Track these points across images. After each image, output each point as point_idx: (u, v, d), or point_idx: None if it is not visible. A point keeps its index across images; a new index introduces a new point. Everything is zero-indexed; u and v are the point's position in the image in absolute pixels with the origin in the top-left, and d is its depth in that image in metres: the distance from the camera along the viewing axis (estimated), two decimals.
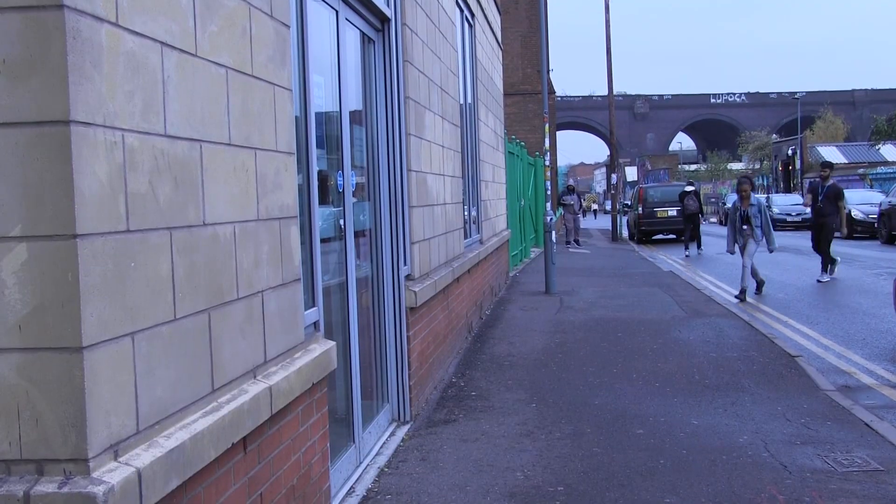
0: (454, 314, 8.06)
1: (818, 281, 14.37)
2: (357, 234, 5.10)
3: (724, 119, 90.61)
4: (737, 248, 12.97)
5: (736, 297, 12.54)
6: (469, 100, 10.48)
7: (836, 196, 14.54)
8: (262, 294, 3.15)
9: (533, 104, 29.69)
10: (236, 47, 2.97)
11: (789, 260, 19.43)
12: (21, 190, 2.03)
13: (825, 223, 14.47)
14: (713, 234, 32.25)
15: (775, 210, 35.44)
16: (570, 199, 26.93)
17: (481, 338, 9.27)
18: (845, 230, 15.35)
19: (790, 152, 51.76)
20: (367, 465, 4.99)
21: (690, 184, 27.02)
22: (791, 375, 7.08)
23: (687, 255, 21.48)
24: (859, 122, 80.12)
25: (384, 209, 5.72)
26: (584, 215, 28.74)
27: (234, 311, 2.90)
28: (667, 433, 5.52)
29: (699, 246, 22.83)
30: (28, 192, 2.03)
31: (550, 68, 25.80)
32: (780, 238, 28.48)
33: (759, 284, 13.11)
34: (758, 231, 12.59)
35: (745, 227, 12.61)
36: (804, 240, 27.04)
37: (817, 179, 14.93)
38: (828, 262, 14.51)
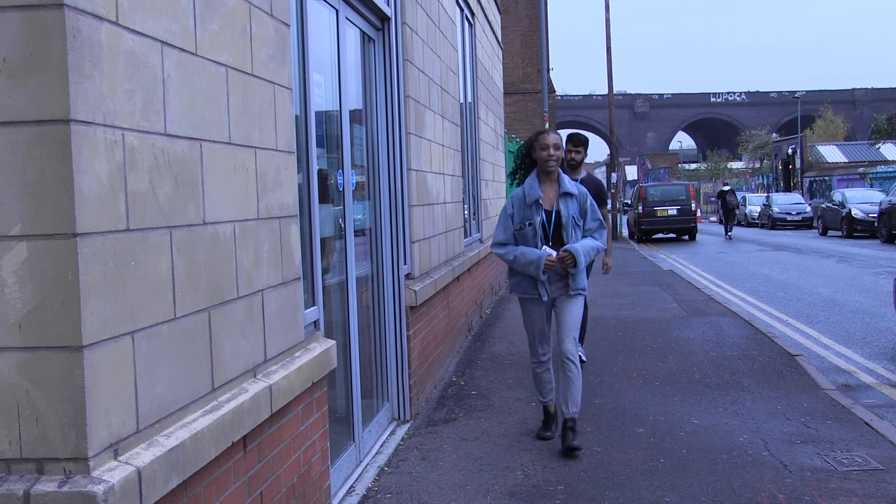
0: (454, 313, 8.06)
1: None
2: (357, 233, 5.10)
3: (725, 118, 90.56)
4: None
5: (548, 434, 5.48)
6: (469, 99, 10.48)
7: (597, 198, 6.58)
8: (263, 293, 3.15)
9: (533, 103, 29.66)
10: (236, 46, 2.97)
11: (789, 259, 19.44)
12: (21, 189, 2.03)
13: None
14: (713, 234, 32.31)
15: (775, 209, 35.47)
16: None
17: (481, 337, 9.27)
18: (610, 264, 7.84)
19: (790, 151, 51.72)
20: (367, 464, 4.99)
21: (727, 184, 34.94)
22: (791, 374, 7.09)
23: (728, 238, 28.79)
24: (859, 120, 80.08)
25: (384, 208, 5.72)
26: None
27: (235, 309, 2.90)
28: (667, 432, 5.52)
29: (730, 230, 29.86)
30: (28, 191, 2.03)
31: (550, 67, 25.83)
32: (779, 237, 28.83)
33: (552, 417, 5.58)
34: (578, 266, 5.21)
35: (549, 249, 5.27)
36: (804, 238, 27.14)
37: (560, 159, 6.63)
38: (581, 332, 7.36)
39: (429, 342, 6.63)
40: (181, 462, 2.37)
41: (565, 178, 5.41)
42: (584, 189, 5.45)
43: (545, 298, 5.37)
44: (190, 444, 2.42)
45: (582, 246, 5.27)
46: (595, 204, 5.47)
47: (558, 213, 5.32)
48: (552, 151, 5.32)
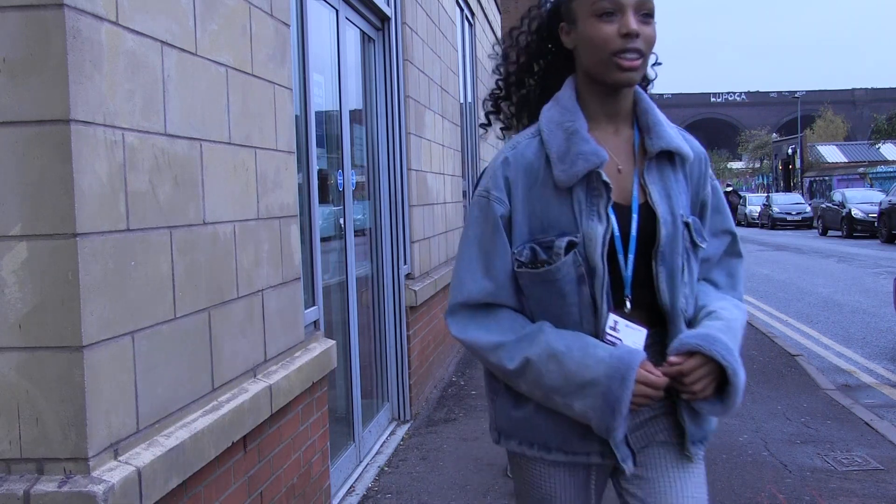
0: None
1: None
2: (357, 233, 5.10)
3: (725, 118, 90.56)
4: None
5: None
6: (469, 99, 10.48)
7: None
8: (263, 293, 3.15)
9: None
10: (236, 46, 2.97)
11: (789, 259, 19.43)
12: (21, 189, 2.03)
13: None
14: None
15: (775, 209, 35.50)
16: None
17: None
18: None
19: (790, 151, 51.74)
20: (368, 463, 4.99)
21: (729, 185, 38.05)
22: (791, 374, 7.09)
23: None
24: (859, 120, 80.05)
25: (384, 208, 5.72)
26: None
27: (235, 309, 2.90)
28: None
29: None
30: (28, 191, 2.03)
31: None
32: (780, 237, 28.83)
33: None
34: (734, 397, 1.74)
35: (632, 327, 1.76)
36: (804, 238, 27.15)
37: None
38: None
39: (429, 342, 6.63)
40: (181, 462, 2.37)
41: (660, 115, 1.95)
42: (697, 144, 2.02)
43: (628, 462, 1.88)
44: (190, 444, 2.42)
45: (730, 330, 1.87)
46: (719, 186, 2.10)
47: (647, 209, 1.88)
48: (632, 25, 1.79)
